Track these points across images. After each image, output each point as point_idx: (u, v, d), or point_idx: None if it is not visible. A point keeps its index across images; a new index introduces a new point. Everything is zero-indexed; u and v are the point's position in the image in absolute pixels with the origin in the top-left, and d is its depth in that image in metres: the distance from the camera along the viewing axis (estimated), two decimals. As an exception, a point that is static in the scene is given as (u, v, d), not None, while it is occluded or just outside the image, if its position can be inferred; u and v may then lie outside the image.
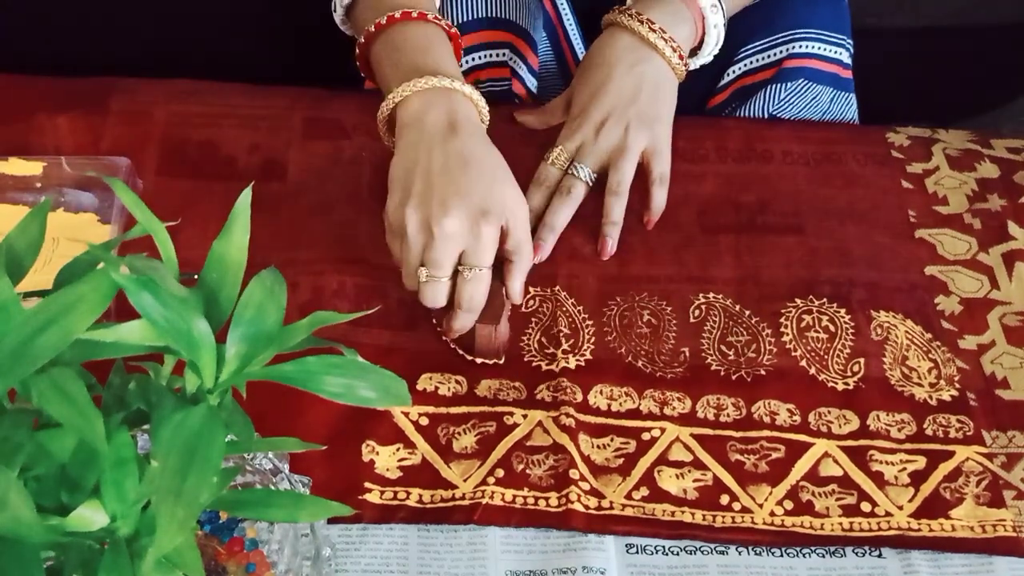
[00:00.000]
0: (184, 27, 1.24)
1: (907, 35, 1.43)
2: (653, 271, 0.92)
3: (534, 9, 1.02)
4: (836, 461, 0.81)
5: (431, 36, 0.87)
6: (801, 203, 0.98)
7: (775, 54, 1.03)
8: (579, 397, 0.83)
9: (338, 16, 0.95)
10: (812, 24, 1.03)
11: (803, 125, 1.06)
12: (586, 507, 0.77)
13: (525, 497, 0.78)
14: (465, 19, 1.00)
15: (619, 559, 0.76)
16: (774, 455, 0.81)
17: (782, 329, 0.89)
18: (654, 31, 0.93)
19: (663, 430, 0.82)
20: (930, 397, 0.85)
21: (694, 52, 0.98)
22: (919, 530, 0.78)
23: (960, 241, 0.96)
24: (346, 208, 0.94)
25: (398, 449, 0.80)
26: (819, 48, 1.03)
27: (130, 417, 0.51)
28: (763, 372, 0.86)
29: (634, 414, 0.83)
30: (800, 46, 1.03)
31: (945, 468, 0.81)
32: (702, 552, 0.77)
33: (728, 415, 0.83)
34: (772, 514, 0.78)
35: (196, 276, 0.53)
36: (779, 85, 1.03)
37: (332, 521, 0.75)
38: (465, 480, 0.79)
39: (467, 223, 0.79)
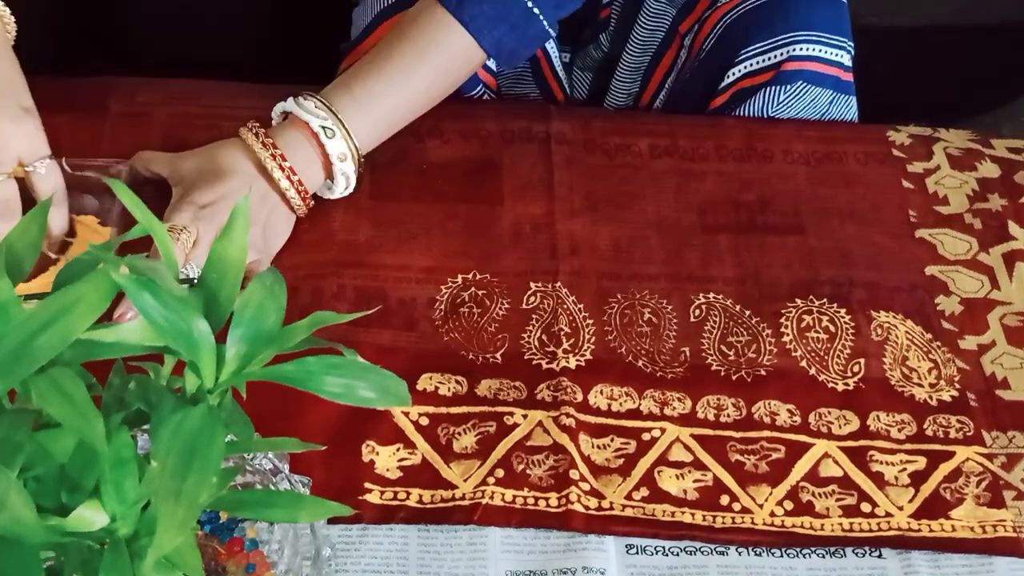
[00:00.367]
0: (184, 27, 1.24)
1: (907, 35, 1.43)
2: (653, 270, 0.92)
3: None
4: (836, 461, 0.81)
5: None
6: (801, 203, 0.98)
7: (775, 56, 1.03)
8: (579, 397, 0.83)
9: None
10: (812, 26, 1.03)
11: (803, 124, 1.05)
12: (586, 507, 0.77)
13: (525, 497, 0.78)
14: None
15: (619, 559, 0.76)
16: (774, 455, 0.81)
17: (782, 329, 0.89)
18: (274, 156, 0.88)
19: (663, 430, 0.82)
20: (930, 397, 0.85)
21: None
22: (919, 530, 0.78)
23: (960, 241, 0.96)
24: (346, 209, 0.94)
25: (398, 449, 0.80)
26: (819, 51, 1.03)
27: (130, 417, 0.51)
28: (763, 372, 0.86)
29: (634, 414, 0.83)
30: (800, 48, 1.02)
31: (945, 468, 0.81)
32: (702, 552, 0.77)
33: (728, 415, 0.83)
34: (772, 514, 0.78)
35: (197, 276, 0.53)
36: (779, 88, 1.03)
37: (332, 521, 0.75)
38: (465, 480, 0.79)
39: None
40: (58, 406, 0.46)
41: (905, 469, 0.81)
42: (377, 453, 0.79)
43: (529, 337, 0.87)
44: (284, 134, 0.88)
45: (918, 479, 0.81)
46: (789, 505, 0.79)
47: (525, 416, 0.82)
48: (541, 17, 0.93)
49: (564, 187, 0.97)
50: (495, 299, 0.89)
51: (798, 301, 0.91)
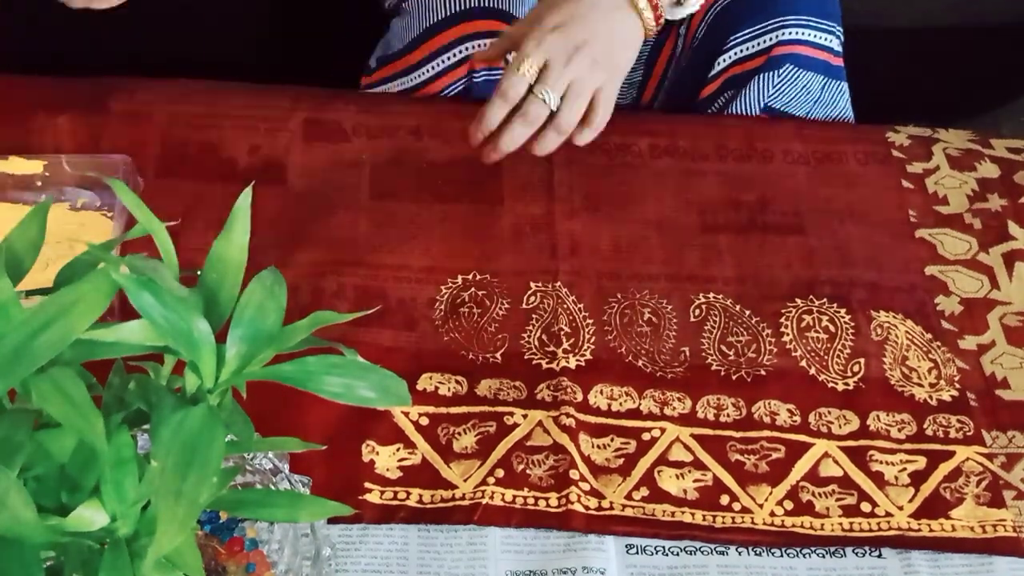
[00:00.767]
0: (184, 27, 1.24)
1: (907, 35, 1.43)
2: (653, 269, 0.92)
3: None
4: (836, 461, 0.81)
5: None
6: (801, 203, 0.98)
7: (765, 41, 1.03)
8: (579, 397, 0.83)
9: None
10: (800, 11, 1.03)
11: (803, 124, 1.06)
12: (586, 507, 0.77)
13: (525, 497, 0.78)
14: (457, 9, 1.00)
15: (619, 559, 0.76)
16: (774, 455, 0.81)
17: (782, 329, 0.89)
18: None
19: (663, 430, 0.82)
20: (930, 397, 0.85)
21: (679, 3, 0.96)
22: (919, 530, 0.78)
23: (960, 241, 0.96)
24: (346, 209, 0.94)
25: (398, 449, 0.80)
26: (808, 35, 1.03)
27: (130, 417, 0.51)
28: (763, 372, 0.86)
29: (634, 414, 0.83)
30: (789, 32, 1.03)
31: (945, 468, 0.81)
32: (702, 552, 0.77)
33: (728, 415, 0.83)
34: (772, 514, 0.78)
35: (198, 272, 0.53)
36: (770, 73, 1.03)
37: (332, 521, 0.75)
38: (465, 480, 0.79)
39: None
40: (58, 406, 0.46)
41: (905, 469, 0.81)
42: (377, 453, 0.79)
43: (529, 337, 0.87)
44: None
45: (918, 479, 0.81)
46: (789, 505, 0.79)
47: (525, 416, 0.82)
48: None
49: (564, 187, 0.97)
50: (495, 299, 0.89)
51: (798, 301, 0.91)
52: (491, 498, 0.77)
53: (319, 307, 0.85)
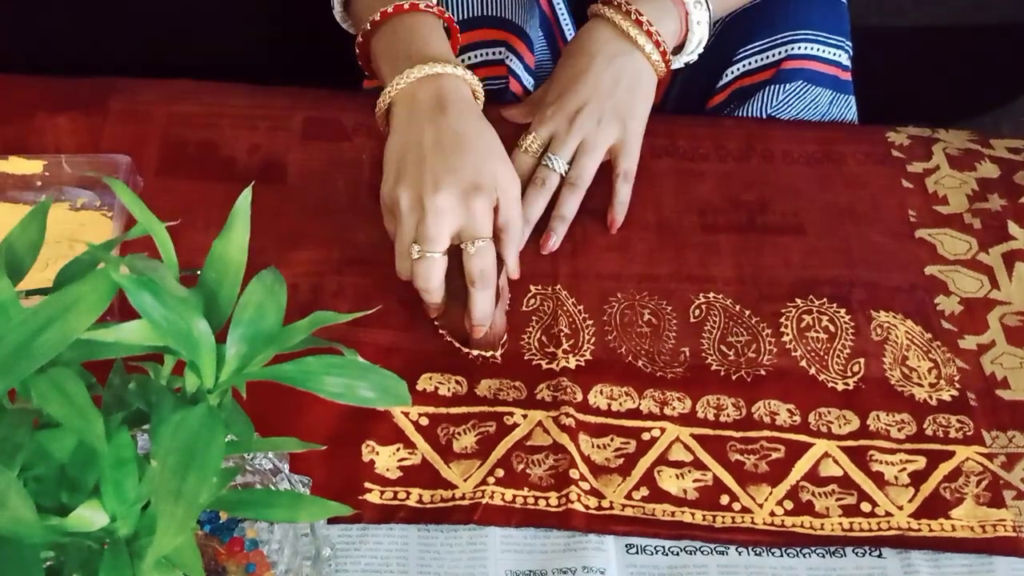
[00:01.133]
0: (184, 27, 1.24)
1: (907, 35, 1.43)
2: (653, 270, 0.92)
3: (530, 7, 1.02)
4: (836, 461, 0.81)
5: (426, 26, 0.87)
6: (801, 203, 0.98)
7: (774, 55, 1.03)
8: (579, 397, 0.83)
9: (337, 13, 0.96)
10: (811, 25, 1.03)
11: (803, 125, 1.06)
12: (586, 507, 0.77)
13: (525, 497, 0.78)
14: (461, 17, 1.00)
15: (619, 559, 0.76)
16: (774, 455, 0.81)
17: (782, 329, 0.89)
18: (639, 23, 0.92)
19: (663, 430, 0.82)
20: (930, 397, 0.85)
21: (678, 50, 0.97)
22: (919, 530, 0.78)
23: (960, 241, 0.96)
24: (346, 209, 0.94)
25: (398, 449, 0.80)
26: (818, 50, 1.03)
27: (130, 417, 0.51)
28: (763, 372, 0.86)
29: (634, 414, 0.83)
30: (799, 47, 1.03)
31: (945, 468, 0.81)
32: (702, 552, 0.77)
33: (728, 415, 0.83)
34: (772, 514, 0.78)
35: (198, 272, 0.53)
36: (778, 86, 1.04)
37: (332, 521, 0.75)
38: (465, 480, 0.79)
39: (458, 198, 0.80)
40: (58, 406, 0.46)
41: (905, 469, 0.81)
42: (377, 453, 0.79)
43: (529, 338, 0.87)
44: (648, 4, 0.93)
45: (918, 479, 0.81)
46: (789, 505, 0.79)
47: (525, 416, 0.82)
48: None
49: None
50: (495, 299, 0.89)
51: (798, 301, 0.91)
52: (491, 498, 0.77)
53: (319, 307, 0.85)
